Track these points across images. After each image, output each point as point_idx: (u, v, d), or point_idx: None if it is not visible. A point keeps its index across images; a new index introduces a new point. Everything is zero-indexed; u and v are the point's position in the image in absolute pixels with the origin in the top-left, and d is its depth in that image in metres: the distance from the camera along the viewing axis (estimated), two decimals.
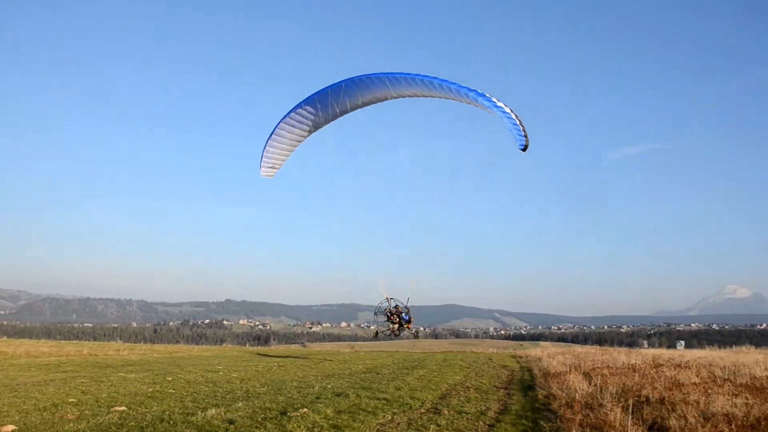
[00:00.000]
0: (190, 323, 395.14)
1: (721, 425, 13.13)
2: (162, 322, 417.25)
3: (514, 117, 18.35)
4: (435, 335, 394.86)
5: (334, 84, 19.50)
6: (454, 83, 18.44)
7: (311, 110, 20.42)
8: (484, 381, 27.87)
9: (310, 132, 20.66)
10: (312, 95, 19.78)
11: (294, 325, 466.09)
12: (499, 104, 18.35)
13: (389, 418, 16.42)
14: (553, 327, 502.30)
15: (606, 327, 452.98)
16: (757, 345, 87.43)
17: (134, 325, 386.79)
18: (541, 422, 16.27)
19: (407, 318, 20.21)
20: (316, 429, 14.19)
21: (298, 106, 20.30)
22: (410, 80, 18.60)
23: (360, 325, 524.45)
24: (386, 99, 20.11)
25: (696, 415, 14.85)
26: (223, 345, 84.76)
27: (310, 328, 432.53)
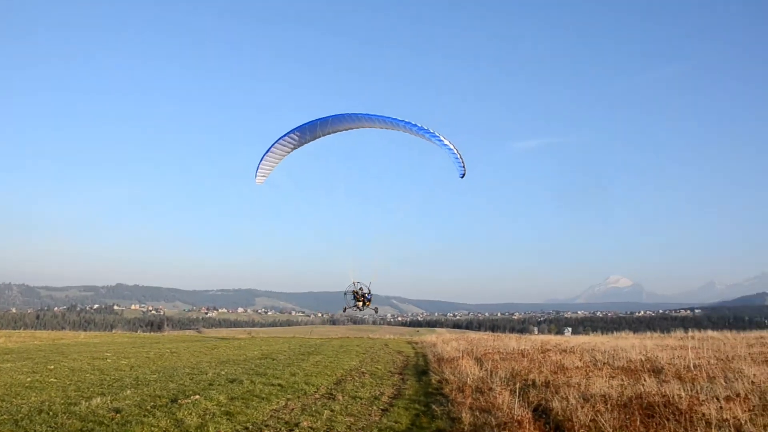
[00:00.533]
0: (78, 308, 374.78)
1: (598, 405, 13.90)
2: (46, 308, 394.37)
3: (456, 152, 22.27)
4: (333, 321, 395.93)
5: (322, 117, 22.70)
6: (415, 125, 21.78)
7: (299, 134, 23.73)
8: (380, 366, 28.24)
9: (294, 149, 24.34)
10: (304, 124, 23.05)
11: (189, 311, 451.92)
12: (446, 142, 22.05)
13: (283, 403, 16.35)
14: (449, 314, 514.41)
15: (499, 314, 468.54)
16: (635, 331, 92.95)
17: (14, 310, 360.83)
18: (433, 406, 16.67)
19: (369, 297, 23.75)
20: (207, 416, 13.92)
21: (292, 131, 23.41)
22: (382, 120, 22.16)
23: (257, 311, 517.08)
24: (357, 128, 23.50)
25: (577, 396, 15.67)
26: (113, 331, 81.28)
27: (206, 313, 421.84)
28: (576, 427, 12.21)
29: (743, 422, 12.47)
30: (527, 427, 11.66)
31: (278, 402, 16.49)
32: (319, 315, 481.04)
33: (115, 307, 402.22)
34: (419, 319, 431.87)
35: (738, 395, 15.09)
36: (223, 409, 14.89)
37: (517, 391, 17.22)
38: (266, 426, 13.41)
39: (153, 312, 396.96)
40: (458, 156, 22.74)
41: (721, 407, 13.56)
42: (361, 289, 25.01)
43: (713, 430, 11.77)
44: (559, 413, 14.16)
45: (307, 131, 23.79)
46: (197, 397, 16.39)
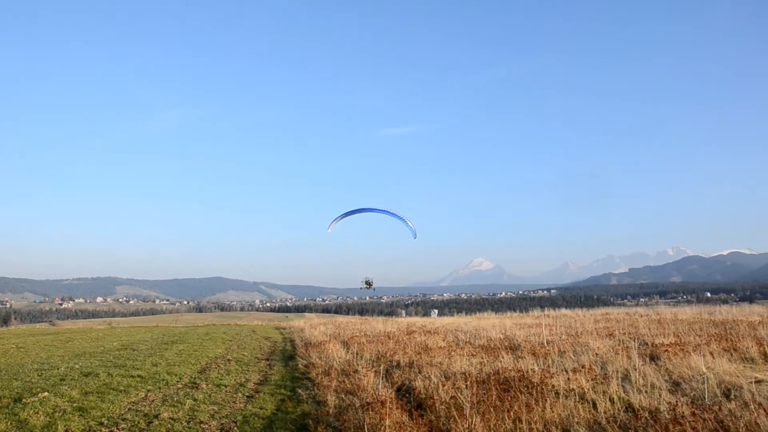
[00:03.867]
0: None
1: (458, 382, 14.46)
2: None
3: (411, 226, 27.93)
4: (199, 309, 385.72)
5: (361, 208, 28.46)
6: (399, 216, 28.04)
7: (355, 212, 28.71)
8: (246, 353, 27.79)
9: (345, 218, 28.75)
10: (355, 210, 28.77)
11: (41, 302, 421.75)
12: (406, 220, 27.98)
13: (143, 395, 15.67)
14: (318, 299, 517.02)
15: (368, 298, 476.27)
16: (497, 311, 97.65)
17: None
18: (299, 390, 16.64)
19: (372, 282, 29.34)
20: (57, 414, 13.01)
21: (354, 210, 28.88)
22: (381, 211, 27.97)
23: (118, 300, 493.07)
24: (371, 213, 29.07)
25: (439, 375, 16.22)
26: None
27: (61, 304, 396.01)
28: (437, 405, 12.60)
29: (587, 390, 13.49)
30: (391, 406, 11.88)
31: (137, 394, 15.78)
32: (185, 303, 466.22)
33: None
34: (288, 304, 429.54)
35: (583, 366, 16.26)
36: (75, 405, 14.01)
37: (382, 372, 17.60)
38: (123, 420, 12.78)
39: None
40: (412, 228, 28.77)
41: (568, 378, 14.57)
42: (368, 279, 31.11)
43: (561, 399, 12.62)
44: (422, 392, 14.58)
45: (353, 214, 29.54)
46: (45, 394, 15.30)
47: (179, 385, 17.53)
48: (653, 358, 19.12)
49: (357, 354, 22.86)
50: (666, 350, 19.63)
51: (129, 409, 13.82)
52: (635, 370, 15.75)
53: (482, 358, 20.27)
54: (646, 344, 22.56)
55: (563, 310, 62.84)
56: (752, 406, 10.83)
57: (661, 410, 11.61)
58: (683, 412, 10.80)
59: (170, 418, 12.99)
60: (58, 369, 21.00)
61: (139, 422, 12.58)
